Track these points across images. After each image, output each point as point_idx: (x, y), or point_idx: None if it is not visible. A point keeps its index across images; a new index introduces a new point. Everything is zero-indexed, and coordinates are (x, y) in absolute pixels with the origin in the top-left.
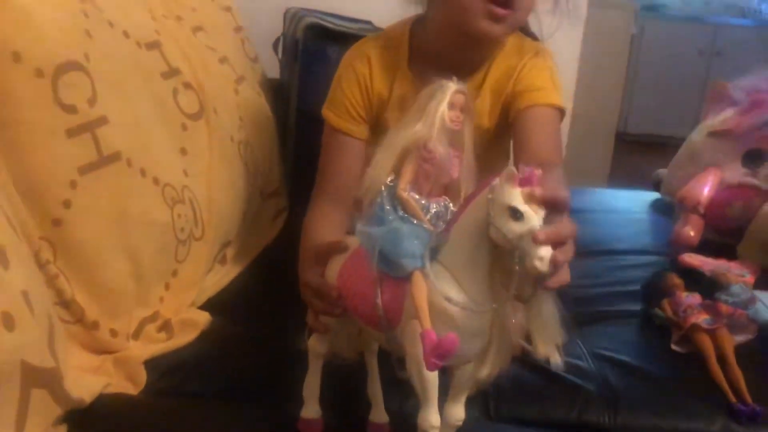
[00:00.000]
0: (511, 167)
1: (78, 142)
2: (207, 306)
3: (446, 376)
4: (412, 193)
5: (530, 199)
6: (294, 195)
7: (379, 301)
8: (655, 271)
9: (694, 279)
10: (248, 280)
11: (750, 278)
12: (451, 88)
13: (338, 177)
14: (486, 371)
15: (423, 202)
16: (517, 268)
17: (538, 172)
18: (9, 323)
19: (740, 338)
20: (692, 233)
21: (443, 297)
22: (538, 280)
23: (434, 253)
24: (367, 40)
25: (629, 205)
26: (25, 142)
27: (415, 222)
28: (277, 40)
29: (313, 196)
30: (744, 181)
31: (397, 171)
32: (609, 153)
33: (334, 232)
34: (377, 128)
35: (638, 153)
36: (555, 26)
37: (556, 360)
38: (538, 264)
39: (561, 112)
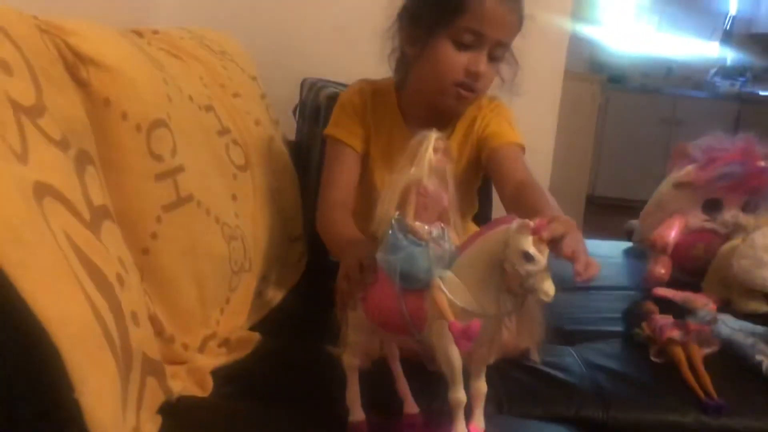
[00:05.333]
0: (526, 220)
1: (163, 185)
2: (253, 329)
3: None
4: (417, 222)
5: (539, 243)
6: (312, 243)
7: (405, 310)
8: (633, 300)
9: (667, 306)
10: (284, 310)
11: (713, 306)
12: (433, 136)
13: (342, 182)
14: (495, 353)
15: (426, 228)
16: (526, 293)
17: (546, 222)
18: (135, 320)
19: (707, 350)
20: (662, 271)
21: (458, 305)
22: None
23: (445, 266)
24: (362, 83)
25: (606, 251)
26: (126, 183)
27: (423, 244)
28: (296, 106)
29: (323, 205)
30: (705, 226)
31: (399, 207)
32: (580, 214)
33: (353, 229)
34: (367, 160)
35: (606, 214)
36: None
37: (536, 356)
38: (544, 297)
39: (522, 148)
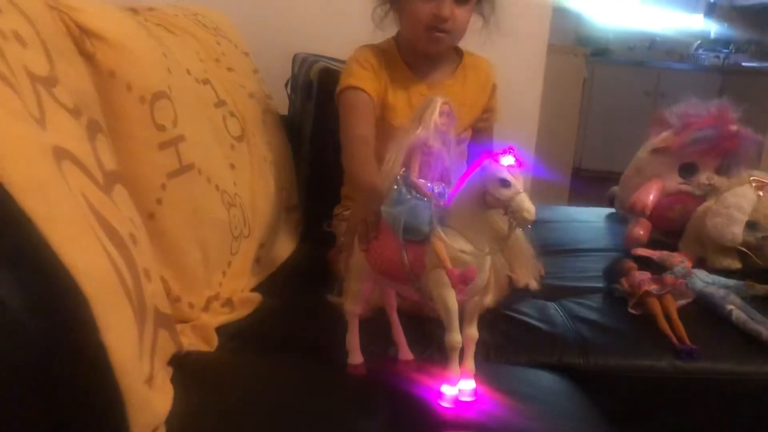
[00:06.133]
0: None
1: (166, 153)
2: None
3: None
4: (421, 179)
5: (511, 169)
6: (306, 213)
7: (405, 261)
8: (613, 258)
9: (645, 265)
10: (282, 275)
11: (688, 263)
12: (439, 101)
13: (364, 121)
14: (488, 299)
15: (429, 185)
16: (511, 220)
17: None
18: (148, 276)
19: (681, 302)
20: (641, 232)
21: (456, 249)
22: (522, 226)
23: (443, 219)
24: (369, 46)
25: (588, 217)
26: (132, 151)
27: (425, 200)
28: (288, 80)
29: (346, 141)
30: (681, 189)
31: (404, 164)
32: (566, 185)
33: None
34: (386, 109)
35: (592, 186)
36: (483, 41)
37: (534, 285)
38: (527, 214)
39: None
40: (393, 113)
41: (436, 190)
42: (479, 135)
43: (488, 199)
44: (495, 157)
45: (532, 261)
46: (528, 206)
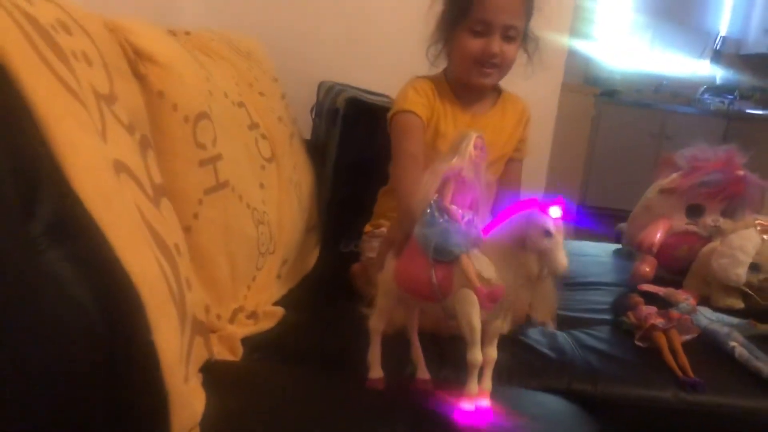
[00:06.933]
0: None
1: (205, 170)
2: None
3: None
4: (453, 205)
5: (555, 222)
6: (326, 232)
7: (434, 280)
8: (621, 293)
9: (651, 300)
10: (301, 291)
11: (693, 301)
12: (474, 135)
13: (415, 140)
14: (507, 325)
15: (460, 211)
16: (544, 266)
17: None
18: (189, 285)
19: (686, 336)
20: (648, 269)
21: (482, 273)
22: (552, 274)
23: (477, 245)
24: (424, 77)
25: (596, 251)
26: (174, 167)
27: (456, 224)
28: (313, 106)
29: (399, 170)
30: (688, 229)
31: (438, 191)
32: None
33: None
34: (436, 136)
35: (595, 222)
36: (530, 73)
37: (551, 326)
38: (560, 267)
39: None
40: (442, 140)
41: (466, 218)
42: (510, 167)
43: (528, 243)
44: (544, 207)
45: (554, 303)
46: (562, 260)
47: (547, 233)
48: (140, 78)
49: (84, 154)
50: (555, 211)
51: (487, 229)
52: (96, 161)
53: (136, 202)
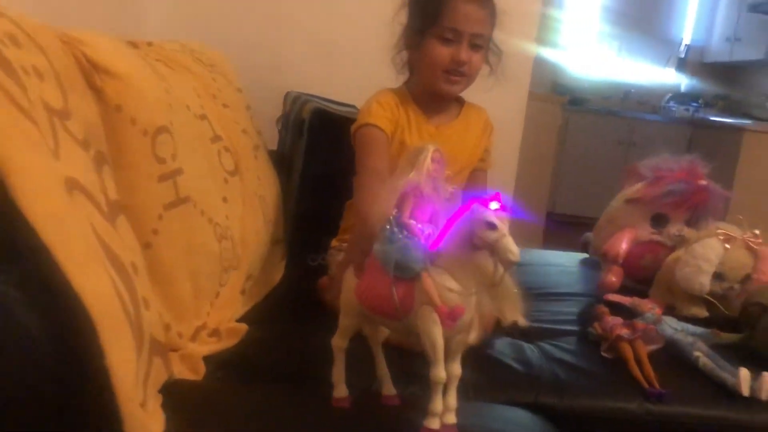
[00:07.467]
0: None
1: (165, 185)
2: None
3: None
4: (412, 220)
5: (497, 213)
6: (292, 245)
7: (395, 297)
8: (587, 303)
9: (617, 310)
10: (267, 306)
11: (658, 310)
12: (431, 148)
13: (379, 161)
14: (472, 337)
15: (419, 226)
16: (497, 261)
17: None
18: (146, 304)
19: (651, 347)
20: (614, 279)
21: (445, 288)
22: (506, 267)
23: (434, 259)
24: (388, 90)
25: (563, 261)
26: (133, 182)
27: (416, 240)
28: (280, 117)
29: (361, 185)
30: (652, 239)
31: (397, 206)
32: (541, 228)
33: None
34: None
35: (564, 230)
36: (492, 84)
37: (523, 321)
38: (511, 256)
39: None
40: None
41: (425, 232)
42: (475, 177)
43: (476, 241)
44: (483, 202)
45: (519, 300)
46: (512, 248)
47: (491, 225)
48: (97, 91)
49: (33, 174)
50: (494, 204)
51: (436, 243)
52: (46, 180)
53: (90, 220)
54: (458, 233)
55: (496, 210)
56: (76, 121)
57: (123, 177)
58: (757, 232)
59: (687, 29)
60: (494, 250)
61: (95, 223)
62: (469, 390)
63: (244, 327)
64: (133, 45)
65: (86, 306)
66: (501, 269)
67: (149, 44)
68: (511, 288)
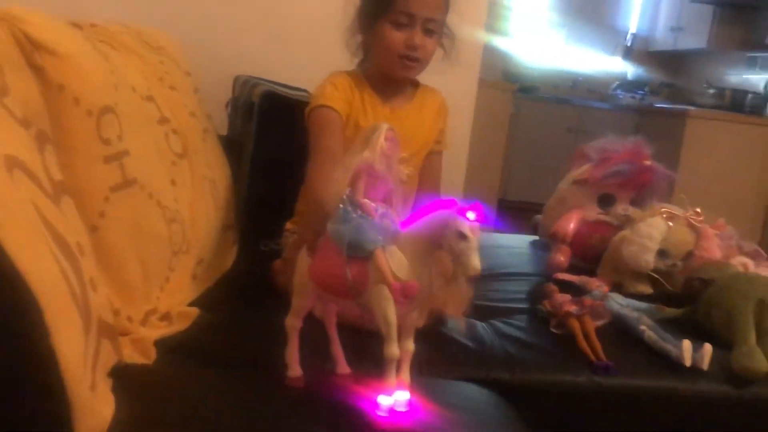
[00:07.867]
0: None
1: (110, 167)
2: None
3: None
4: (366, 199)
5: (472, 225)
6: (244, 231)
7: (349, 276)
8: (537, 282)
9: (566, 289)
10: (218, 290)
11: (606, 288)
12: (385, 127)
13: (334, 142)
14: (423, 319)
15: (373, 205)
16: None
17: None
18: (93, 286)
19: (599, 322)
20: (562, 258)
21: (395, 269)
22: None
23: (393, 239)
24: (342, 72)
25: (513, 243)
26: (77, 164)
27: (369, 219)
28: (229, 101)
29: (315, 165)
30: (600, 219)
31: (350, 185)
32: (492, 216)
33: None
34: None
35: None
36: (446, 68)
37: (461, 321)
38: (472, 270)
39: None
40: None
41: (379, 211)
42: (431, 160)
43: (443, 243)
44: (461, 210)
45: (466, 301)
46: (475, 263)
47: (462, 236)
48: (37, 70)
49: None
50: (471, 215)
51: (404, 224)
52: None
53: (33, 199)
54: (427, 228)
55: (471, 221)
56: (15, 99)
57: (67, 158)
58: (698, 210)
59: (633, 18)
60: (458, 258)
61: (38, 203)
62: (422, 366)
63: (195, 311)
64: (77, 26)
65: (30, 286)
66: (459, 275)
67: (93, 26)
68: (464, 287)
